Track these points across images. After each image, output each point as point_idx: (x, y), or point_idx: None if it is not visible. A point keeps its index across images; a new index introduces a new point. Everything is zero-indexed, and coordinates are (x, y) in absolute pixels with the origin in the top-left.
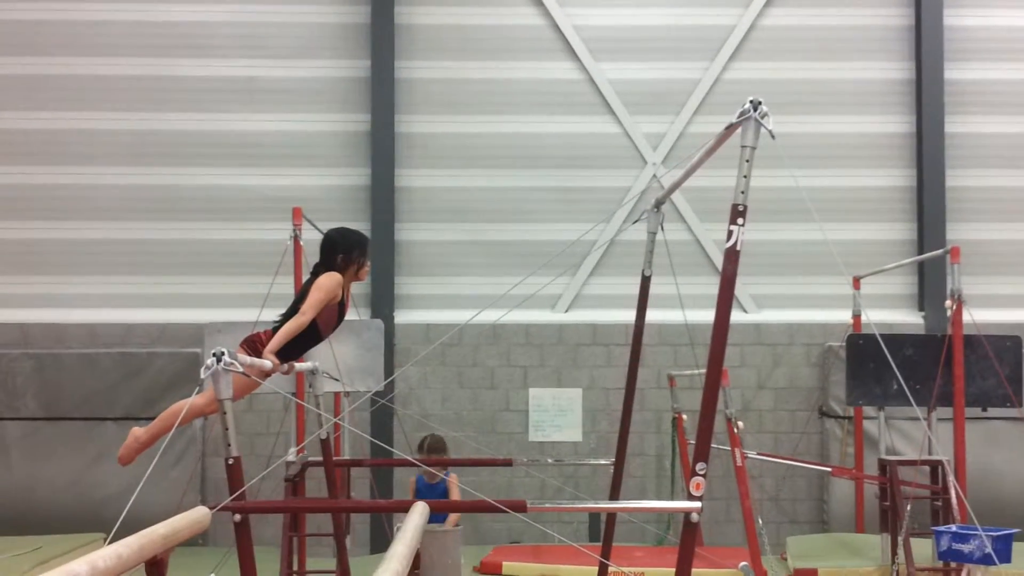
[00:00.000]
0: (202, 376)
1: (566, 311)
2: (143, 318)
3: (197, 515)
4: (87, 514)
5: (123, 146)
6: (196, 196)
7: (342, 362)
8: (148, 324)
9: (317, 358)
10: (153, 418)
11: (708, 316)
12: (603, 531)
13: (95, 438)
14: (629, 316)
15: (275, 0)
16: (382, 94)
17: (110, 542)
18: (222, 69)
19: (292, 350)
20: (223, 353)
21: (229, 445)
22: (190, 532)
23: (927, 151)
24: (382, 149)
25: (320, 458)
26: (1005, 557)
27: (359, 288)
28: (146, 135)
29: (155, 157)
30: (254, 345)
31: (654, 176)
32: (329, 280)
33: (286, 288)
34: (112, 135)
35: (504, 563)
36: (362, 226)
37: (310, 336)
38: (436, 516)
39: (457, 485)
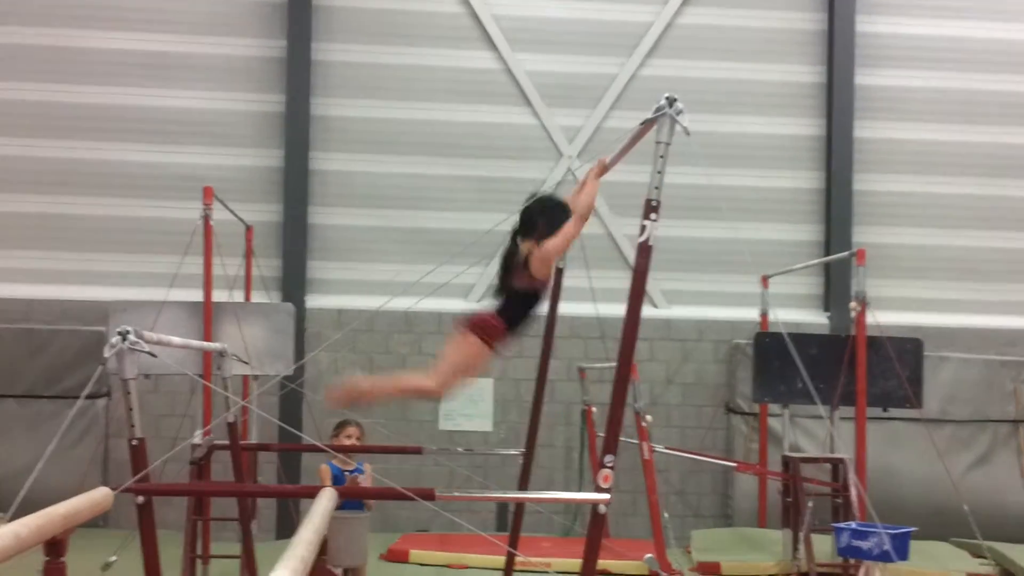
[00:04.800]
0: (105, 355)
1: (479, 301)
2: (46, 294)
3: (98, 496)
4: None
5: (28, 117)
6: (104, 171)
7: (251, 345)
8: (51, 300)
9: (226, 340)
10: (57, 397)
11: (619, 310)
12: (511, 521)
13: None
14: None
15: None
16: (298, 75)
17: (8, 521)
18: (134, 43)
19: (520, 318)
20: (128, 332)
21: (133, 426)
22: (91, 513)
23: (836, 155)
24: (296, 131)
25: (227, 442)
26: (902, 554)
27: (271, 271)
28: (53, 107)
29: (62, 130)
30: (485, 326)
31: (569, 169)
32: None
33: (195, 268)
34: (17, 105)
35: (411, 551)
36: (275, 208)
37: (535, 302)
38: (354, 504)
39: (372, 476)
